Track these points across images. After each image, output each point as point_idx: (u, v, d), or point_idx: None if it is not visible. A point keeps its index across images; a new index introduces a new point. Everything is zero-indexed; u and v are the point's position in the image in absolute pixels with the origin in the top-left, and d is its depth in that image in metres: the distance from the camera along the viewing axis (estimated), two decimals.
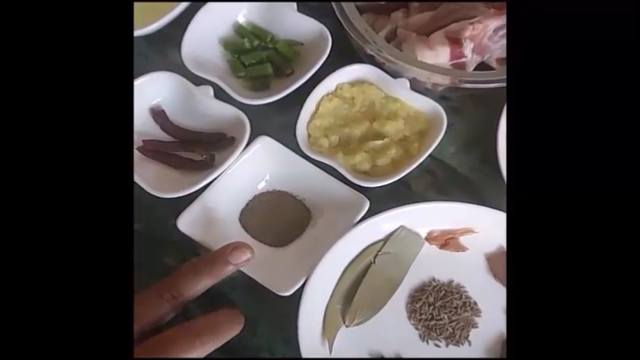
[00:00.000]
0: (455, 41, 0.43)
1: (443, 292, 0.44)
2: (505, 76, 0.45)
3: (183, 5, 0.52)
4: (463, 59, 0.45)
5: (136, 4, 0.52)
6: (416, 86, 0.49)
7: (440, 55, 0.44)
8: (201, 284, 0.37)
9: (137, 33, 0.51)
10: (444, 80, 0.45)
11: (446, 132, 0.47)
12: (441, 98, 0.51)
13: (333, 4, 0.48)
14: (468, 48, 0.44)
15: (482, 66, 0.50)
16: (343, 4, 0.47)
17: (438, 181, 0.50)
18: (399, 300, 0.44)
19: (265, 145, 0.47)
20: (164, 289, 0.37)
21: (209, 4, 0.52)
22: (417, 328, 0.44)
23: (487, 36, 0.45)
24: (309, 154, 0.47)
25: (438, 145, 0.47)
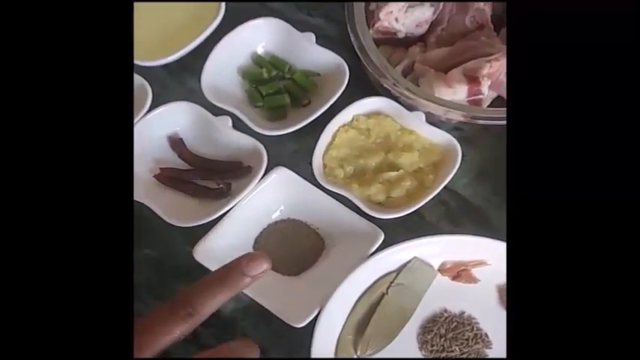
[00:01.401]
0: (473, 79, 0.44)
1: (454, 324, 0.45)
2: None
3: (203, 36, 0.53)
4: (480, 96, 0.45)
5: (158, 36, 0.54)
6: (430, 118, 0.49)
7: (458, 92, 0.45)
8: (217, 299, 0.35)
9: (158, 63, 0.52)
10: (459, 116, 0.46)
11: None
12: (455, 129, 0.51)
13: (351, 37, 0.49)
14: (485, 86, 0.45)
15: (497, 99, 0.50)
16: (361, 37, 0.47)
17: (450, 212, 0.50)
18: (410, 331, 0.45)
19: (281, 175, 0.48)
20: (179, 306, 0.35)
21: (228, 36, 0.53)
22: None
23: (504, 72, 0.46)
24: (324, 184, 0.47)
25: None
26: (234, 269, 0.36)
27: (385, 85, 0.47)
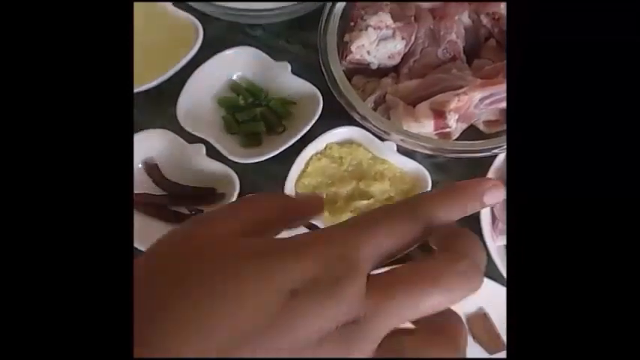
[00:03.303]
0: (439, 114, 0.45)
1: None
2: (487, 147, 0.46)
3: (181, 63, 0.53)
4: (447, 129, 0.46)
5: (136, 63, 0.54)
6: (403, 146, 0.50)
7: (425, 126, 0.46)
8: (453, 213, 0.25)
9: (137, 90, 0.53)
10: (427, 150, 0.47)
11: (431, 190, 0.48)
12: (428, 156, 0.52)
13: (323, 69, 0.49)
14: (452, 119, 0.45)
15: (470, 128, 0.51)
16: (333, 70, 0.48)
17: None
18: None
19: None
20: (418, 207, 0.24)
21: (205, 64, 0.53)
22: None
23: (473, 105, 0.46)
24: None
25: None
26: (472, 190, 0.25)
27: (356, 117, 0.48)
